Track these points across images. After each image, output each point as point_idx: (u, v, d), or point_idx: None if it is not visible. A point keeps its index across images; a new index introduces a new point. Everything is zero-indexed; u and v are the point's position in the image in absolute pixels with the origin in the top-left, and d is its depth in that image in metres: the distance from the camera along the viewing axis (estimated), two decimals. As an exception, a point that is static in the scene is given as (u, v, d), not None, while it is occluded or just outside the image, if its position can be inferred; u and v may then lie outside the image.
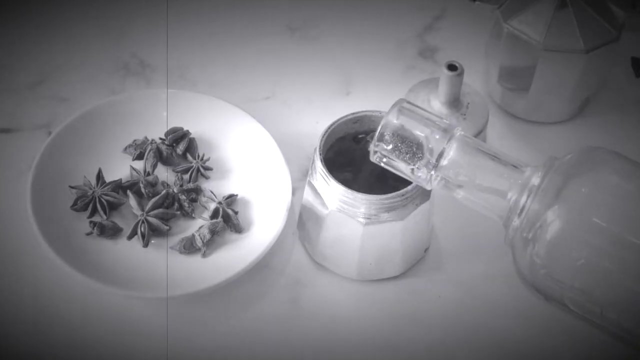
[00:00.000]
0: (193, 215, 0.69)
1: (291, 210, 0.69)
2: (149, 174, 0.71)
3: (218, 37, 0.82)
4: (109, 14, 0.83)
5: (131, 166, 0.71)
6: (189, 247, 0.67)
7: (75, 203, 0.68)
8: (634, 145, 0.75)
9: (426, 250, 0.69)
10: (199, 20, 0.83)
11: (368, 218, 0.62)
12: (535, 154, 0.75)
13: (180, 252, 0.67)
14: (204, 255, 0.67)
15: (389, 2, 0.85)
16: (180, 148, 0.72)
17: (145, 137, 0.72)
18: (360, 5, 0.85)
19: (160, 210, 0.68)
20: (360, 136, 0.66)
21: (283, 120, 0.77)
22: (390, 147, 0.59)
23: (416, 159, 0.59)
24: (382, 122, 0.59)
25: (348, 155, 0.66)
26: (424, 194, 0.63)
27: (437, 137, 0.58)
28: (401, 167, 0.60)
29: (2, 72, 0.79)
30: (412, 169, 0.59)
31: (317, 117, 0.77)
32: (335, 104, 0.78)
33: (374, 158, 0.61)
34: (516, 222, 0.58)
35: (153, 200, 0.69)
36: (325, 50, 0.82)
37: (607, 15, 0.72)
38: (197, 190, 0.70)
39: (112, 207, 0.69)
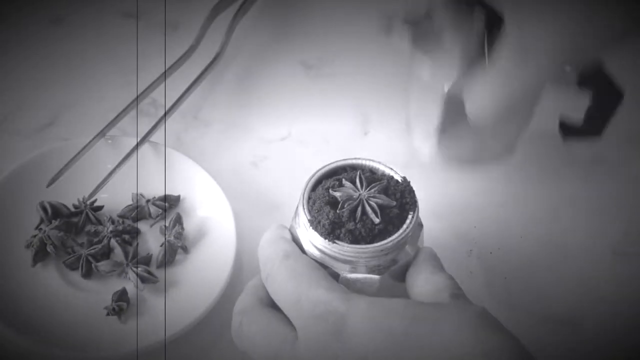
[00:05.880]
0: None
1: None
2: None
3: (230, 76, 0.81)
4: (120, 53, 0.81)
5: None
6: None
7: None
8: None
9: None
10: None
11: (348, 270, 0.59)
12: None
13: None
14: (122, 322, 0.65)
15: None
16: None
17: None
18: (375, 40, 0.84)
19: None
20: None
21: (300, 160, 0.75)
22: None
23: None
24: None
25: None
26: (408, 250, 0.60)
27: None
28: None
29: (10, 113, 0.77)
30: None
31: (335, 158, 0.75)
32: (353, 145, 0.76)
33: None
34: None
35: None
36: (342, 88, 0.80)
37: None
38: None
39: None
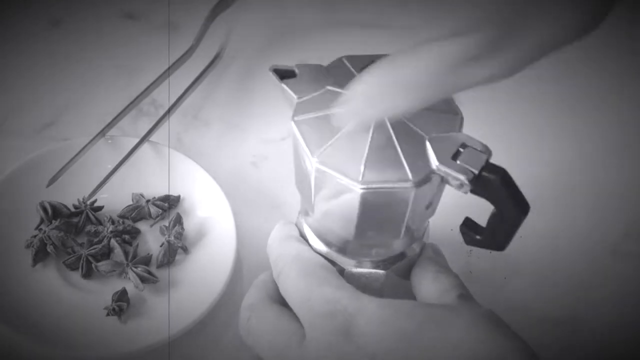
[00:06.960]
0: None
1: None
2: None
3: (230, 76, 0.81)
4: (121, 53, 0.81)
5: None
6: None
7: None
8: None
9: None
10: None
11: (353, 265, 0.59)
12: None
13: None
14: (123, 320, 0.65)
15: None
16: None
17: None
18: (376, 36, 0.84)
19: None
20: None
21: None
22: None
23: None
24: None
25: None
26: (414, 246, 0.60)
27: None
28: None
29: (10, 114, 0.77)
30: None
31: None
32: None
33: None
34: None
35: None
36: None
37: None
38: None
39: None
